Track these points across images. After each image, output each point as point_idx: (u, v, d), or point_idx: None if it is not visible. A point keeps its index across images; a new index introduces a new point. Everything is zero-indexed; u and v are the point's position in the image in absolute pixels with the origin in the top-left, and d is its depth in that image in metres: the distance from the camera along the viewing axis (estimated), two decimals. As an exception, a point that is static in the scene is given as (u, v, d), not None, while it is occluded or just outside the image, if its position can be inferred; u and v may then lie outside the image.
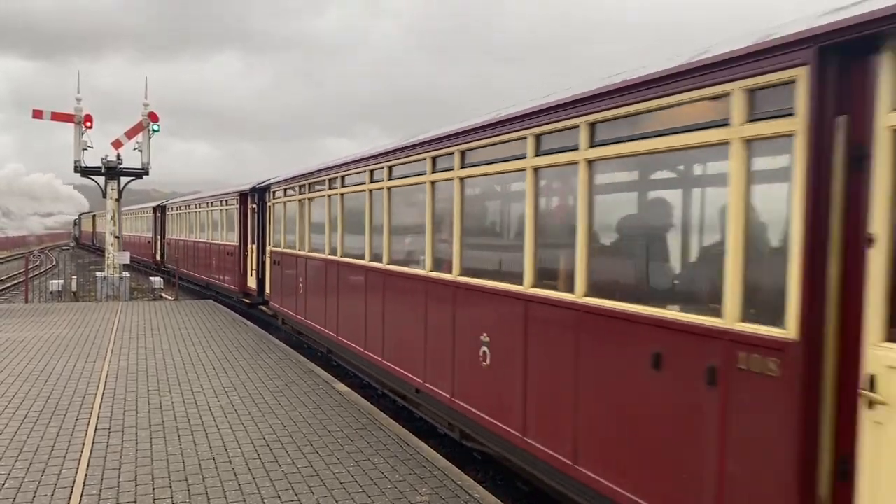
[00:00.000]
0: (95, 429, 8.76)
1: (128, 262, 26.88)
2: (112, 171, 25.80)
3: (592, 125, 5.82)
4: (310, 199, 14.34)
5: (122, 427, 8.84)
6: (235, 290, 22.26)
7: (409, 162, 9.31)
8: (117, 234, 26.30)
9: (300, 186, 15.08)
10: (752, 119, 4.35)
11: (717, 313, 4.51)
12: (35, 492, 6.73)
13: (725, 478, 4.42)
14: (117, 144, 25.96)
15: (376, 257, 10.62)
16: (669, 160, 5.81)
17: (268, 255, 18.66)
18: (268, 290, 18.84)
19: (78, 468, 7.36)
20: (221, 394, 10.58)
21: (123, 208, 36.51)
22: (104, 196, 26.38)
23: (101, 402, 10.01)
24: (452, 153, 8.06)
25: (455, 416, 8.20)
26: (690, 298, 5.27)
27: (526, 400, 6.65)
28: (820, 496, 3.90)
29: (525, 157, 6.74)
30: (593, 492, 5.62)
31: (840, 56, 3.85)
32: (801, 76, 3.99)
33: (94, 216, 68.66)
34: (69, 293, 25.78)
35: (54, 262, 46.94)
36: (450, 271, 8.17)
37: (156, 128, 26.33)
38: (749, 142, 4.37)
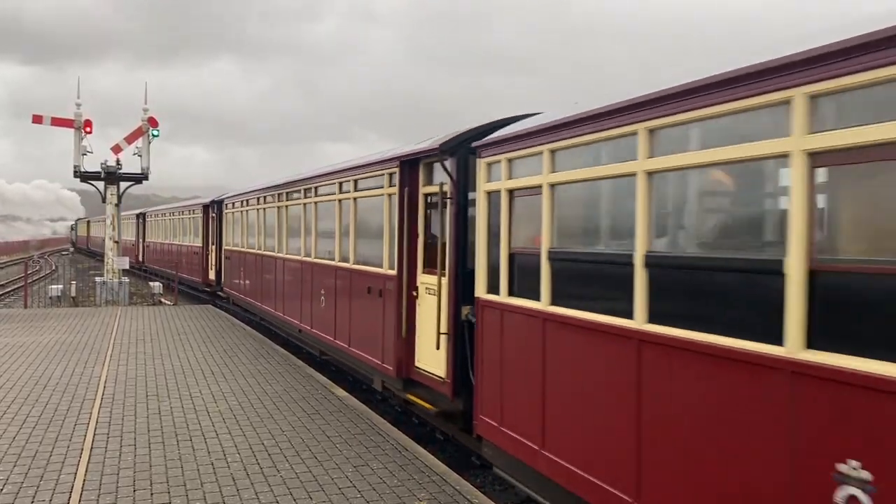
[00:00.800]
0: (94, 434, 8.76)
1: (127, 266, 26.88)
2: (112, 177, 25.84)
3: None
4: (245, 211, 20.86)
5: (120, 432, 8.84)
6: (199, 281, 28.25)
7: (287, 192, 16.13)
8: (116, 239, 26.32)
9: (241, 202, 21.27)
10: None
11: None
12: (33, 497, 6.73)
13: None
14: (117, 149, 26.02)
15: (279, 251, 16.95)
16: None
17: (223, 253, 24.10)
18: (223, 279, 24.41)
19: (76, 473, 7.36)
20: (220, 399, 10.58)
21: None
22: (104, 201, 26.41)
23: (100, 408, 10.01)
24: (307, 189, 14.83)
25: (315, 341, 14.39)
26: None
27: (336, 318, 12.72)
28: (402, 336, 9.84)
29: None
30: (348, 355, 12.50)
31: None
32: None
33: (88, 222, 73.95)
34: (68, 298, 25.79)
35: (54, 267, 46.95)
36: (308, 256, 14.64)
37: (155, 133, 26.39)
38: None
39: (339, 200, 12.60)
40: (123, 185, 26.34)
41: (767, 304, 4.10)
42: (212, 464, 7.71)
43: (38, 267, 47.63)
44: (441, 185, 8.91)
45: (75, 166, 25.61)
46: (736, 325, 4.36)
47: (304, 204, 14.70)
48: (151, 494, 6.83)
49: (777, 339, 3.99)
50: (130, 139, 26.20)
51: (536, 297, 6.48)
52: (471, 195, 8.54)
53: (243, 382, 11.72)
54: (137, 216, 43.92)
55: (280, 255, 16.67)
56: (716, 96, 4.50)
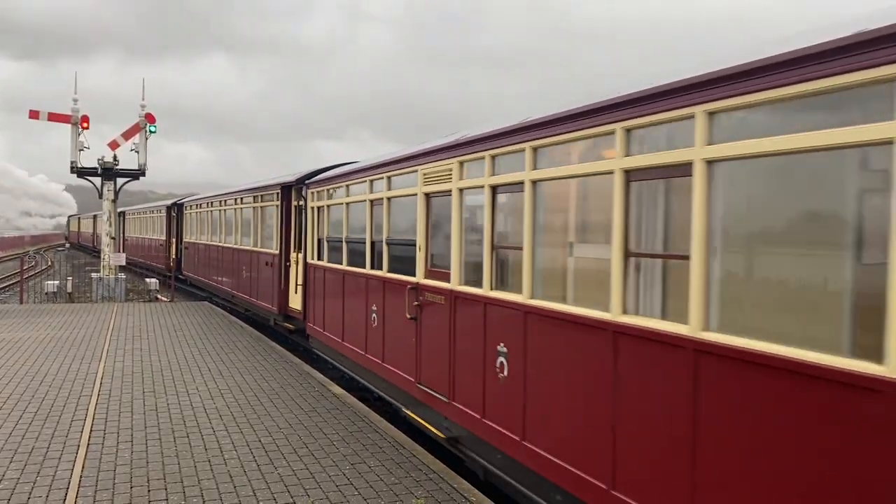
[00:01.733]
0: (91, 430, 8.75)
1: (123, 263, 26.82)
2: (109, 172, 25.76)
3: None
4: (197, 213, 27.51)
5: (117, 428, 8.83)
6: (163, 267, 33.33)
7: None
8: (113, 235, 26.24)
9: (195, 205, 28.24)
10: None
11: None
12: (30, 493, 6.72)
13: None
14: (114, 145, 25.93)
15: (218, 241, 23.98)
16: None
17: (182, 244, 30.09)
18: (183, 265, 29.94)
19: (73, 469, 7.35)
20: (217, 396, 10.58)
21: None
22: (100, 197, 26.33)
23: (97, 404, 9.99)
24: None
25: (240, 301, 20.50)
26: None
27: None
28: (282, 289, 16.57)
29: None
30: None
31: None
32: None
33: (78, 218, 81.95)
34: (64, 294, 25.73)
35: (49, 263, 46.84)
36: (237, 244, 21.28)
37: (153, 129, 26.30)
38: None
39: (254, 208, 19.46)
40: (120, 181, 26.26)
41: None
42: (209, 460, 7.71)
43: (33, 262, 47.51)
44: (299, 201, 15.55)
45: (72, 162, 25.52)
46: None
47: (231, 210, 22.24)
48: (148, 491, 6.82)
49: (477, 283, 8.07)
50: (127, 135, 26.12)
51: (339, 262, 12.27)
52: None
53: (240, 379, 11.71)
54: (94, 216, 55.83)
55: (219, 244, 23.42)
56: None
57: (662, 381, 4.78)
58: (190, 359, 13.48)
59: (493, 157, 7.19)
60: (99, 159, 25.64)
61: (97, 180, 26.01)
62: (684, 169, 4.62)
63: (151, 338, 15.93)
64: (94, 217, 57.39)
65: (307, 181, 14.50)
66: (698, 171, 4.48)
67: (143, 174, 26.32)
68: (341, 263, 12.05)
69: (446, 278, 8.10)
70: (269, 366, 12.95)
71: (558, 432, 6.00)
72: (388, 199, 10.00)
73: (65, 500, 6.58)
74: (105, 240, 26.25)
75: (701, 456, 4.45)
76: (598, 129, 5.53)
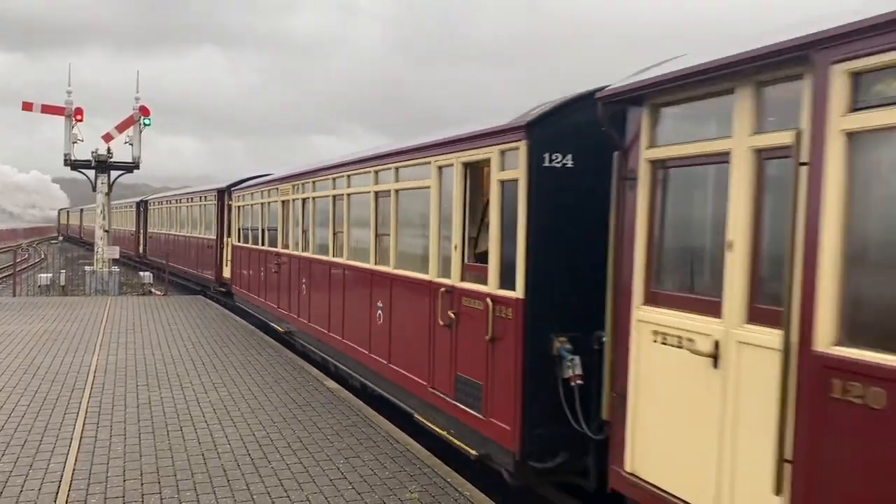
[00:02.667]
0: (84, 423, 8.73)
1: (117, 256, 26.74)
2: (103, 165, 25.66)
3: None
4: (158, 209, 34.43)
5: (110, 422, 8.81)
6: (133, 253, 37.97)
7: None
8: (107, 228, 26.16)
9: (157, 202, 35.25)
10: None
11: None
12: (22, 486, 6.71)
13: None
14: (108, 138, 25.83)
15: (172, 231, 31.01)
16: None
17: (147, 234, 36.54)
18: (147, 251, 36.65)
19: (66, 462, 7.33)
20: (211, 389, 10.56)
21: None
22: (94, 190, 26.23)
23: (90, 397, 9.97)
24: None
25: (186, 273, 27.21)
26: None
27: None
28: (219, 265, 23.04)
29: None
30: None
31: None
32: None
33: (67, 212, 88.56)
34: (58, 287, 25.65)
35: (42, 256, 46.69)
36: (183, 233, 28.67)
37: (147, 122, 26.20)
38: None
39: (200, 206, 25.75)
40: (114, 174, 26.17)
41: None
42: (202, 454, 7.70)
43: (26, 255, 47.35)
44: (229, 203, 21.10)
45: (66, 154, 25.42)
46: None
47: (184, 207, 28.40)
48: (142, 484, 6.81)
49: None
50: (122, 128, 26.01)
51: (248, 243, 18.29)
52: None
53: (234, 373, 11.70)
54: (80, 210, 65.40)
55: (172, 233, 30.36)
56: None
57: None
58: (184, 352, 13.46)
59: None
60: (93, 152, 25.54)
61: (91, 173, 25.93)
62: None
63: (145, 331, 15.89)
64: (81, 211, 66.41)
65: (232, 188, 20.48)
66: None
67: (138, 167, 26.24)
68: (249, 243, 18.34)
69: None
70: (263, 360, 12.94)
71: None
72: (268, 203, 16.45)
73: (58, 492, 6.57)
74: (98, 233, 26.16)
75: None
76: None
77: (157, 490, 6.67)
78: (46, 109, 25.71)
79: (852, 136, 3.62)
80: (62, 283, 25.98)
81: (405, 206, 9.29)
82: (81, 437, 8.17)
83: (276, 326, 15.55)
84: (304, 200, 13.59)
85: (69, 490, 6.63)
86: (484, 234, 7.41)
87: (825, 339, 3.68)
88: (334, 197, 11.80)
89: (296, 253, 14.07)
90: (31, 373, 11.39)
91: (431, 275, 8.12)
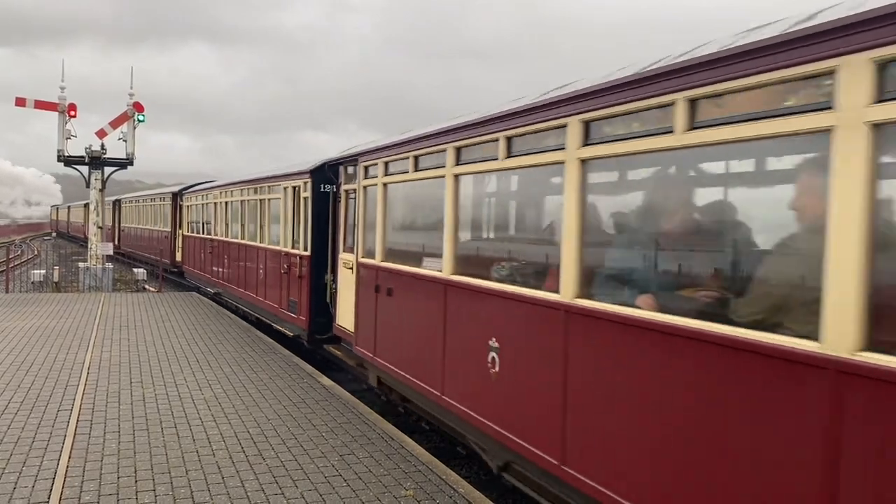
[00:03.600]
0: (78, 420, 8.70)
1: (111, 252, 26.63)
2: (96, 161, 25.55)
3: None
4: (130, 207, 41.31)
5: (104, 419, 8.78)
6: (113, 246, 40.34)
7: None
8: (100, 225, 26.06)
9: (132, 201, 40.92)
10: None
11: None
12: (16, 483, 6.68)
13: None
14: (101, 134, 25.71)
15: (145, 225, 36.06)
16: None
17: (121, 229, 43.18)
18: (121, 244, 42.02)
19: (60, 459, 7.30)
20: (205, 386, 10.54)
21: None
22: (87, 186, 26.12)
23: (84, 394, 9.93)
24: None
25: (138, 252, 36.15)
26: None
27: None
28: (115, 243, 33.71)
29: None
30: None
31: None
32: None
33: (58, 208, 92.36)
34: (51, 283, 25.55)
35: (35, 252, 46.49)
36: (147, 225, 35.74)
37: (141, 118, 26.09)
38: None
39: (159, 205, 32.24)
40: (108, 170, 26.06)
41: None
42: (197, 451, 7.68)
43: (19, 252, 47.16)
44: (181, 201, 27.99)
45: (59, 150, 25.30)
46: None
47: (147, 205, 35.52)
48: (136, 481, 6.79)
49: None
50: (115, 124, 25.89)
51: (194, 232, 25.41)
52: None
53: (228, 370, 11.67)
54: (53, 207, 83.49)
55: (141, 227, 36.52)
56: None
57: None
58: (178, 349, 13.42)
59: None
60: (86, 148, 25.42)
61: (84, 169, 25.81)
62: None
63: (139, 328, 15.84)
64: (69, 207, 73.37)
65: (183, 192, 27.42)
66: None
67: (132, 163, 26.13)
68: (193, 233, 24.50)
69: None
70: (257, 357, 12.91)
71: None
72: (215, 203, 21.73)
73: (51, 490, 6.54)
74: (92, 229, 26.06)
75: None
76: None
77: (151, 487, 6.65)
78: (40, 105, 25.57)
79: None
80: (55, 279, 25.87)
81: (261, 210, 17.18)
82: (75, 434, 8.14)
83: (209, 289, 22.34)
84: (225, 203, 20.56)
85: (63, 487, 6.60)
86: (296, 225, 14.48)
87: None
88: (241, 201, 18.79)
89: (221, 238, 20.54)
90: (24, 369, 11.34)
91: (282, 245, 15.18)
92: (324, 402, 9.88)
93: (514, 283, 6.53)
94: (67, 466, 7.13)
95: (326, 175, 13.08)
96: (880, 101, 3.35)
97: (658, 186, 5.41)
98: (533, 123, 6.11)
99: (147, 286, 26.36)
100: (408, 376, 8.67)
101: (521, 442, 6.16)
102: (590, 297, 5.34)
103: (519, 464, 6.55)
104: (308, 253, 13.52)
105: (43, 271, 26.22)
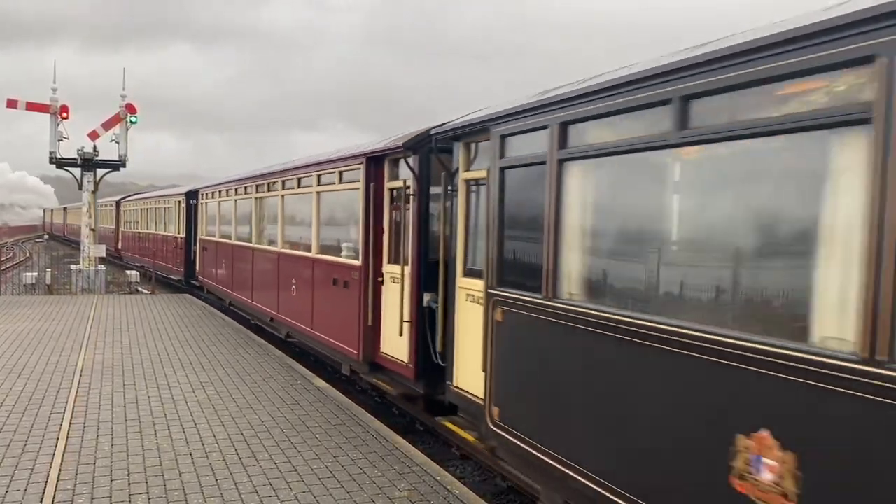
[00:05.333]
0: (70, 423, 8.66)
1: (104, 254, 26.51)
2: (88, 163, 25.43)
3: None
4: (130, 210, 38.21)
5: (97, 421, 8.75)
6: (112, 249, 39.32)
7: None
8: (93, 227, 25.96)
9: (131, 202, 38.12)
10: None
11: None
12: (8, 486, 6.64)
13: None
14: (94, 136, 25.59)
15: (145, 230, 34.40)
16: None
17: (121, 233, 40.42)
18: (121, 247, 39.78)
19: (52, 463, 7.27)
20: (198, 388, 10.50)
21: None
22: (80, 188, 26.01)
23: (77, 396, 9.89)
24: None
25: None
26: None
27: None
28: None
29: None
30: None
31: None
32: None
33: (52, 210, 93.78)
34: (43, 286, 25.43)
35: (27, 255, 46.28)
36: (145, 229, 35.04)
37: (134, 119, 25.98)
38: None
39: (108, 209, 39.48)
40: (100, 172, 25.94)
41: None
42: (190, 454, 7.66)
43: (11, 254, 46.94)
44: (123, 207, 38.58)
45: (51, 152, 25.16)
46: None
47: (144, 209, 33.73)
48: (129, 484, 6.77)
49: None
50: (108, 125, 25.75)
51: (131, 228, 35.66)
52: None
53: (222, 372, 11.64)
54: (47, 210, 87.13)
55: (144, 231, 33.70)
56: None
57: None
58: (171, 351, 13.38)
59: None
60: (79, 150, 25.30)
61: (77, 171, 25.69)
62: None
63: (132, 330, 15.79)
64: (65, 209, 73.06)
65: (123, 199, 36.04)
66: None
67: (124, 165, 26.02)
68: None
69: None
70: (250, 358, 12.88)
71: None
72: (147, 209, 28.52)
73: (44, 493, 6.51)
74: (85, 231, 25.96)
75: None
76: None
77: (144, 490, 6.63)
78: (31, 107, 25.44)
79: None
80: (48, 281, 25.75)
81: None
82: (68, 437, 8.11)
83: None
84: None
85: (55, 490, 6.57)
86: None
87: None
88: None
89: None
90: (16, 372, 11.28)
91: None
92: (317, 403, 9.86)
93: None
94: (60, 469, 7.10)
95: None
96: None
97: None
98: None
99: (140, 288, 26.27)
100: None
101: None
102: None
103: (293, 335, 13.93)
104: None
105: (35, 273, 26.09)
